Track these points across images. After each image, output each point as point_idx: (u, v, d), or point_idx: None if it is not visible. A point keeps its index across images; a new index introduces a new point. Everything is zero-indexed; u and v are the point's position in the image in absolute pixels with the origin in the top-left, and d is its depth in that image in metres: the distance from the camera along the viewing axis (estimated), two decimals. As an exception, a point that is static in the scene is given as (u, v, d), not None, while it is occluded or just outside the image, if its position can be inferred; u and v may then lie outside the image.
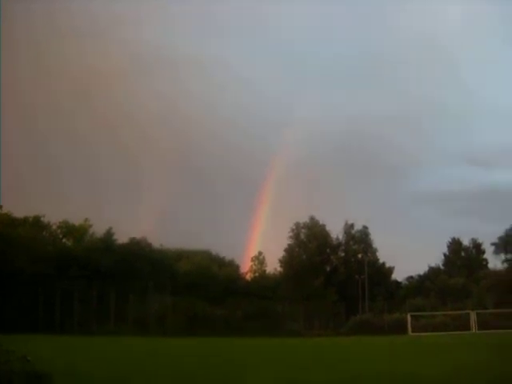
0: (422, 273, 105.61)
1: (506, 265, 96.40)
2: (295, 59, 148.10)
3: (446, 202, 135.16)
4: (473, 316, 73.83)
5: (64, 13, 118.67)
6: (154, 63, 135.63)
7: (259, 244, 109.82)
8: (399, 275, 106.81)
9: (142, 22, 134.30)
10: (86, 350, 41.58)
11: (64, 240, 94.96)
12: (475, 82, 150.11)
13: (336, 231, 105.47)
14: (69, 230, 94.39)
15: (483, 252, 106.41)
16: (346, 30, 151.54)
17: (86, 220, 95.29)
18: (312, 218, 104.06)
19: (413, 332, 73.41)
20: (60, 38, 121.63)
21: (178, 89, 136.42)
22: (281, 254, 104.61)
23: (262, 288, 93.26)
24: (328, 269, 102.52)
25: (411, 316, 77.17)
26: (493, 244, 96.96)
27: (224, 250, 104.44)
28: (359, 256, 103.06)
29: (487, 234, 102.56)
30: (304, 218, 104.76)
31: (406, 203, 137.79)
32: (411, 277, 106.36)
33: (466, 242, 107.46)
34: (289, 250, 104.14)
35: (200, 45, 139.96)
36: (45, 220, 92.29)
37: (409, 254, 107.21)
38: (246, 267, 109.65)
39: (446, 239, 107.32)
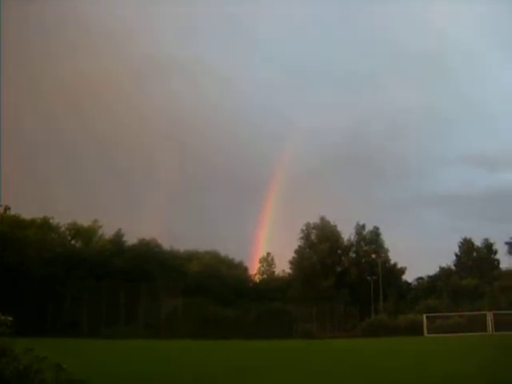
0: (431, 274, 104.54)
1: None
2: (295, 70, 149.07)
3: (454, 203, 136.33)
4: (489, 317, 72.77)
5: (55, 17, 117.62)
6: (153, 71, 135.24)
7: (267, 245, 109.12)
8: (408, 276, 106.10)
9: (138, 29, 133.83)
10: (111, 352, 40.66)
11: (73, 242, 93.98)
12: (475, 86, 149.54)
13: (347, 232, 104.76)
14: (77, 231, 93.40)
15: (495, 252, 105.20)
16: (345, 40, 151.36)
17: (95, 221, 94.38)
18: (323, 219, 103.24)
19: (428, 333, 72.41)
20: (51, 43, 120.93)
21: (179, 100, 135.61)
22: (289, 255, 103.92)
23: (272, 290, 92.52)
24: (339, 270, 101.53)
25: (426, 317, 76.12)
26: (507, 243, 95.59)
27: (232, 252, 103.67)
28: (371, 257, 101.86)
29: (498, 235, 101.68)
30: (314, 219, 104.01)
31: (415, 205, 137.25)
32: (421, 278, 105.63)
33: (477, 242, 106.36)
34: (299, 251, 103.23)
35: (199, 55, 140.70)
36: (53, 222, 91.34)
37: (418, 255, 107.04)
38: (255, 269, 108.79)
39: (456, 240, 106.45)
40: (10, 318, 10.64)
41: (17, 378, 8.69)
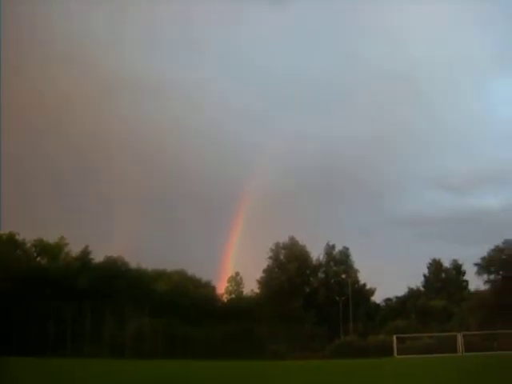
0: (400, 294, 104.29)
1: (488, 286, 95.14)
2: (267, 92, 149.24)
3: (422, 225, 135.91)
4: (459, 338, 72.46)
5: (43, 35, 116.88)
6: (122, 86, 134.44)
7: (235, 265, 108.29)
8: (377, 297, 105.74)
9: (110, 46, 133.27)
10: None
11: (39, 258, 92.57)
12: (447, 110, 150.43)
13: (316, 253, 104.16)
14: (44, 248, 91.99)
15: (464, 273, 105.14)
16: (322, 56, 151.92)
17: (62, 238, 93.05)
18: (292, 239, 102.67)
19: (398, 354, 71.84)
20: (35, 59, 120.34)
21: (149, 119, 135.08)
22: (258, 274, 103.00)
23: (240, 309, 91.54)
24: (308, 290, 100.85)
25: (396, 338, 75.59)
26: (476, 264, 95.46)
27: (200, 271, 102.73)
28: (340, 277, 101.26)
29: (466, 257, 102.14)
30: (283, 239, 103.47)
31: (384, 226, 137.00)
32: (389, 299, 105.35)
33: (445, 263, 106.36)
34: (267, 271, 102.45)
35: (180, 67, 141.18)
36: (19, 237, 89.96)
37: (386, 275, 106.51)
38: (222, 288, 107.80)
39: (424, 261, 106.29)
40: None
41: None
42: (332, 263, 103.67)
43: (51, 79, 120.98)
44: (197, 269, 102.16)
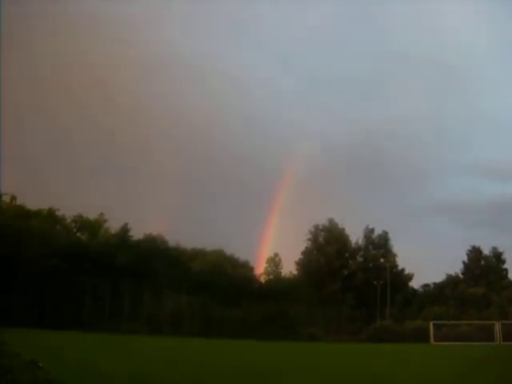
0: (438, 281, 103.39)
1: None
2: (305, 73, 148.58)
3: (463, 212, 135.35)
4: (497, 326, 71.67)
5: (63, 13, 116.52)
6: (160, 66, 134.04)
7: (274, 246, 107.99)
8: (415, 283, 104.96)
9: (144, 22, 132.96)
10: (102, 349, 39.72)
11: (78, 234, 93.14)
12: (487, 96, 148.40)
13: (354, 236, 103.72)
14: (83, 224, 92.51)
15: (504, 262, 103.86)
16: (353, 42, 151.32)
17: (102, 214, 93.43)
18: (331, 221, 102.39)
19: (435, 341, 71.31)
20: (58, 37, 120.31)
21: (187, 100, 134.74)
22: (297, 256, 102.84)
23: (278, 291, 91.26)
24: (346, 273, 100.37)
25: (433, 324, 74.96)
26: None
27: (238, 252, 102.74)
28: (379, 261, 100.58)
29: (507, 244, 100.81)
30: (322, 221, 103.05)
31: (424, 212, 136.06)
32: (427, 285, 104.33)
33: (485, 251, 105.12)
34: (306, 253, 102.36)
35: (209, 55, 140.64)
36: (59, 213, 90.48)
37: (424, 261, 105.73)
38: (261, 269, 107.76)
39: (464, 249, 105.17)
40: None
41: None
42: (371, 247, 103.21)
43: (80, 55, 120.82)
44: (235, 249, 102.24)
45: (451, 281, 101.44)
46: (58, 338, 47.22)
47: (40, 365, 7.74)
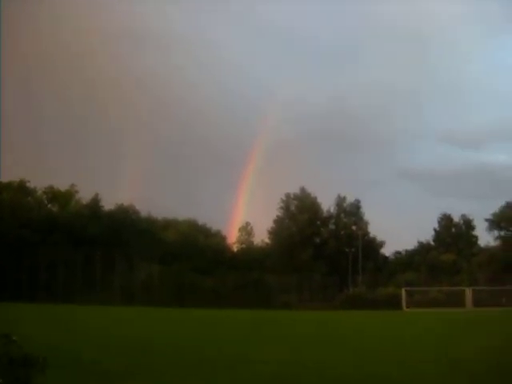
0: (409, 248, 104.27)
1: (499, 242, 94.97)
2: (278, 41, 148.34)
3: (431, 180, 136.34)
4: (468, 293, 72.48)
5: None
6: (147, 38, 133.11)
7: (246, 215, 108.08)
8: (386, 250, 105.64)
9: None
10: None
11: (49, 206, 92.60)
12: (454, 66, 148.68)
13: (326, 204, 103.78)
14: (54, 195, 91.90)
15: (473, 228, 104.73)
16: (331, 14, 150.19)
17: (72, 186, 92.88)
18: (303, 190, 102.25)
19: (407, 308, 71.91)
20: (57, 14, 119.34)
21: (165, 64, 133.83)
22: (269, 225, 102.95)
23: (251, 259, 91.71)
24: (318, 241, 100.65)
25: (405, 291, 75.54)
26: (487, 220, 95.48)
27: (210, 221, 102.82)
28: (351, 229, 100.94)
29: (476, 213, 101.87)
30: (294, 190, 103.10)
31: (393, 180, 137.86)
32: (399, 252, 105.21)
33: (456, 219, 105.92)
34: (278, 222, 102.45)
35: (188, 24, 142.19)
36: (30, 185, 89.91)
37: (396, 229, 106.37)
38: (233, 238, 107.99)
39: (434, 216, 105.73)
40: None
41: None
42: (343, 215, 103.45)
43: (77, 31, 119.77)
44: (207, 218, 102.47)
45: (422, 248, 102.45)
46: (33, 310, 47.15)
47: (14, 338, 7.61)
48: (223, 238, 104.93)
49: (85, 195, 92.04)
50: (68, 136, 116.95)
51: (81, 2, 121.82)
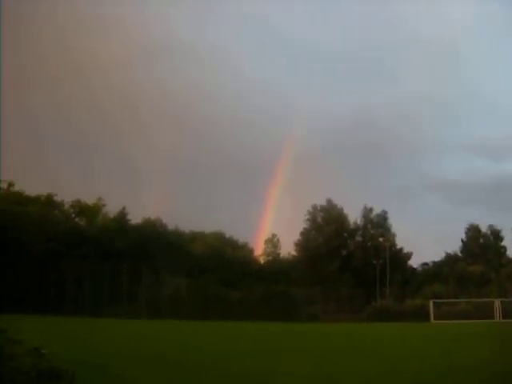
0: (437, 260, 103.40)
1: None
2: (301, 53, 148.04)
3: (459, 191, 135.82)
4: (497, 304, 71.83)
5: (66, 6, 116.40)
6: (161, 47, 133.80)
7: (273, 227, 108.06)
8: (413, 262, 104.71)
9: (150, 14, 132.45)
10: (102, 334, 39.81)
11: (76, 219, 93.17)
12: (482, 75, 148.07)
13: (353, 216, 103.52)
14: (81, 209, 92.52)
15: (501, 239, 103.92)
16: (350, 23, 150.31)
17: (100, 199, 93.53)
18: (329, 201, 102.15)
19: (435, 319, 71.44)
20: (62, 29, 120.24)
21: (183, 81, 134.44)
22: (295, 237, 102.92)
23: (277, 271, 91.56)
24: (344, 253, 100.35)
25: (433, 303, 75.05)
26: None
27: (237, 233, 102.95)
28: (377, 240, 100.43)
29: (503, 223, 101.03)
30: (321, 201, 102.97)
31: (420, 191, 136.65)
32: (426, 263, 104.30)
33: (483, 229, 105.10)
34: (305, 234, 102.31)
35: (207, 34, 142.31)
36: (57, 199, 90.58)
37: (423, 240, 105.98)
38: (259, 250, 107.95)
39: (461, 227, 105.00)
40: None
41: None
42: (369, 226, 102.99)
43: (84, 45, 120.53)
44: (234, 231, 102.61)
45: (450, 259, 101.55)
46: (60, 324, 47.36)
47: (43, 352, 7.67)
48: (250, 251, 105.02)
49: (112, 209, 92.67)
50: (95, 151, 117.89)
51: (83, 4, 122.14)
